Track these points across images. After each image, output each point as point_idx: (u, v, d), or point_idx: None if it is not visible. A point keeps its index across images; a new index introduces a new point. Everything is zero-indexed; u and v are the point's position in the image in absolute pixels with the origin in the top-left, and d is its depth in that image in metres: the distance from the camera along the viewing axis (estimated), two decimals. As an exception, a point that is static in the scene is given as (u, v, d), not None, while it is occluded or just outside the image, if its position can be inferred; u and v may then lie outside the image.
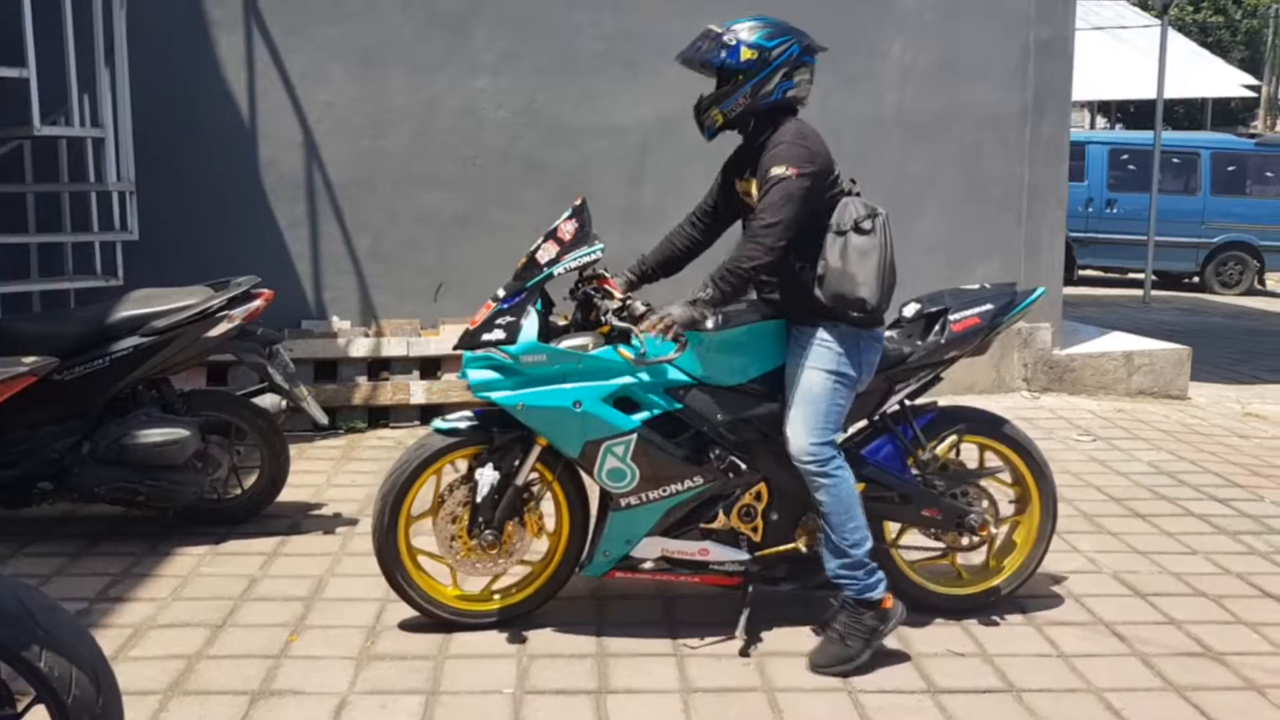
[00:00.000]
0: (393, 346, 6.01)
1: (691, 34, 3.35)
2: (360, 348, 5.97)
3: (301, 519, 4.51)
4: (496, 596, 3.54)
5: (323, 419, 4.53)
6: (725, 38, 3.25)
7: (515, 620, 3.48)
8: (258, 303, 4.29)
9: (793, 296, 3.32)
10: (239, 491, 4.47)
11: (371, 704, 3.02)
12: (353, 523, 4.46)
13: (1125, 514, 4.75)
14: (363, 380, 5.96)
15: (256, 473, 4.46)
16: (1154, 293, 13.13)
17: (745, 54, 3.22)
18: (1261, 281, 15.12)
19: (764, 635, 3.44)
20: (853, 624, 3.26)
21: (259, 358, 4.35)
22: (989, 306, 3.56)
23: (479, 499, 3.32)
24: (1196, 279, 14.93)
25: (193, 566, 3.98)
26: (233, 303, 4.22)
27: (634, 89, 6.35)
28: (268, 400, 4.48)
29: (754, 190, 3.29)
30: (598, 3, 6.31)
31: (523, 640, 3.40)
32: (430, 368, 6.09)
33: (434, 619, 3.45)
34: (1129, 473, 5.39)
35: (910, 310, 3.59)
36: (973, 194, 6.87)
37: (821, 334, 3.27)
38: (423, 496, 3.44)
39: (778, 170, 3.15)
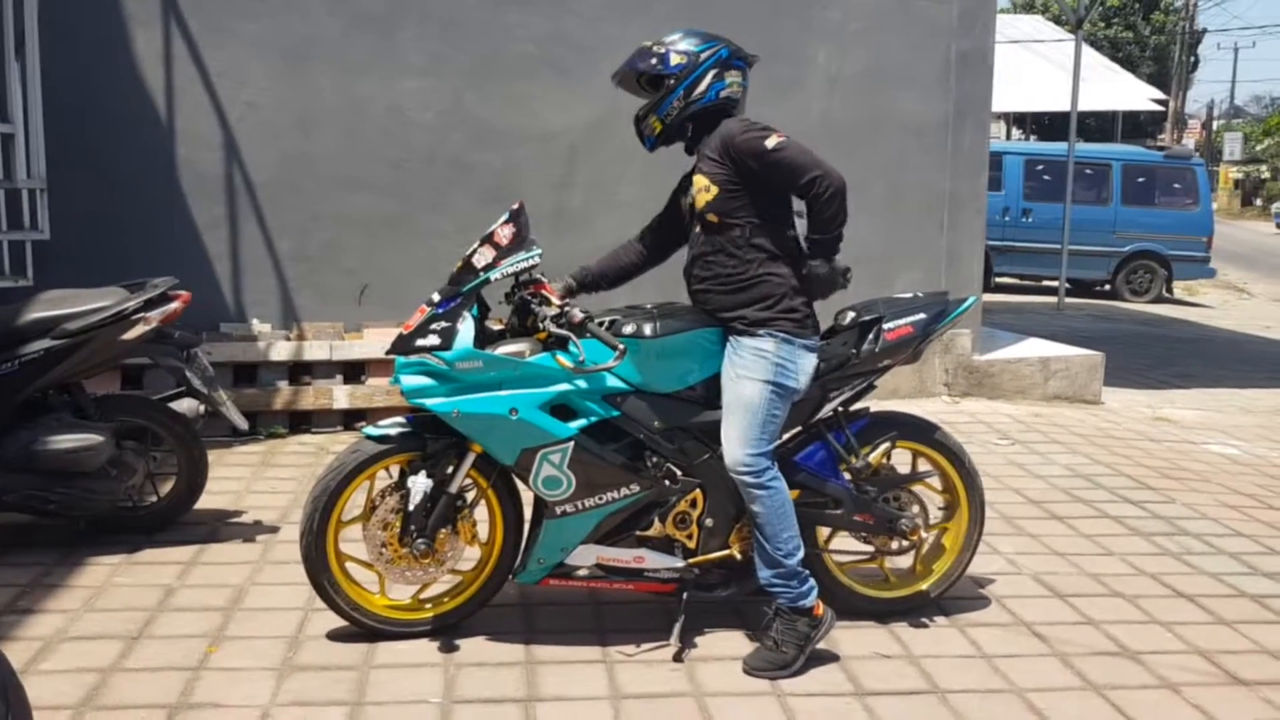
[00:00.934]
0: (315, 350, 5.91)
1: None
2: (281, 351, 5.85)
3: (220, 527, 4.40)
4: (427, 605, 3.48)
5: (242, 424, 4.43)
6: (655, 48, 3.34)
7: (445, 629, 3.43)
8: (175, 305, 4.17)
9: (731, 305, 3.32)
10: (155, 499, 4.34)
11: (294, 716, 2.95)
12: (274, 530, 4.36)
13: (1044, 516, 4.86)
14: (284, 385, 5.84)
15: (173, 479, 4.34)
16: (1067, 300, 13.48)
17: (675, 59, 3.30)
18: (1169, 289, 15.62)
19: (695, 641, 3.44)
20: (787, 631, 3.28)
21: (176, 361, 4.23)
22: (922, 315, 3.60)
23: (411, 507, 3.27)
24: (1108, 287, 15.38)
25: (106, 577, 3.85)
26: (149, 305, 4.10)
27: (564, 93, 6.33)
28: (185, 405, 4.37)
29: (705, 184, 3.28)
30: (528, 5, 6.28)
31: (450, 649, 3.35)
32: (354, 372, 6.00)
33: (361, 628, 3.39)
34: (1046, 476, 5.52)
35: (845, 319, 3.62)
36: (897, 203, 6.97)
37: (759, 344, 3.28)
38: (354, 502, 3.37)
39: (768, 143, 3.20)
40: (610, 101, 6.44)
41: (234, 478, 5.04)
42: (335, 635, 3.41)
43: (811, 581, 3.35)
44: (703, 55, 3.30)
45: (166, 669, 3.18)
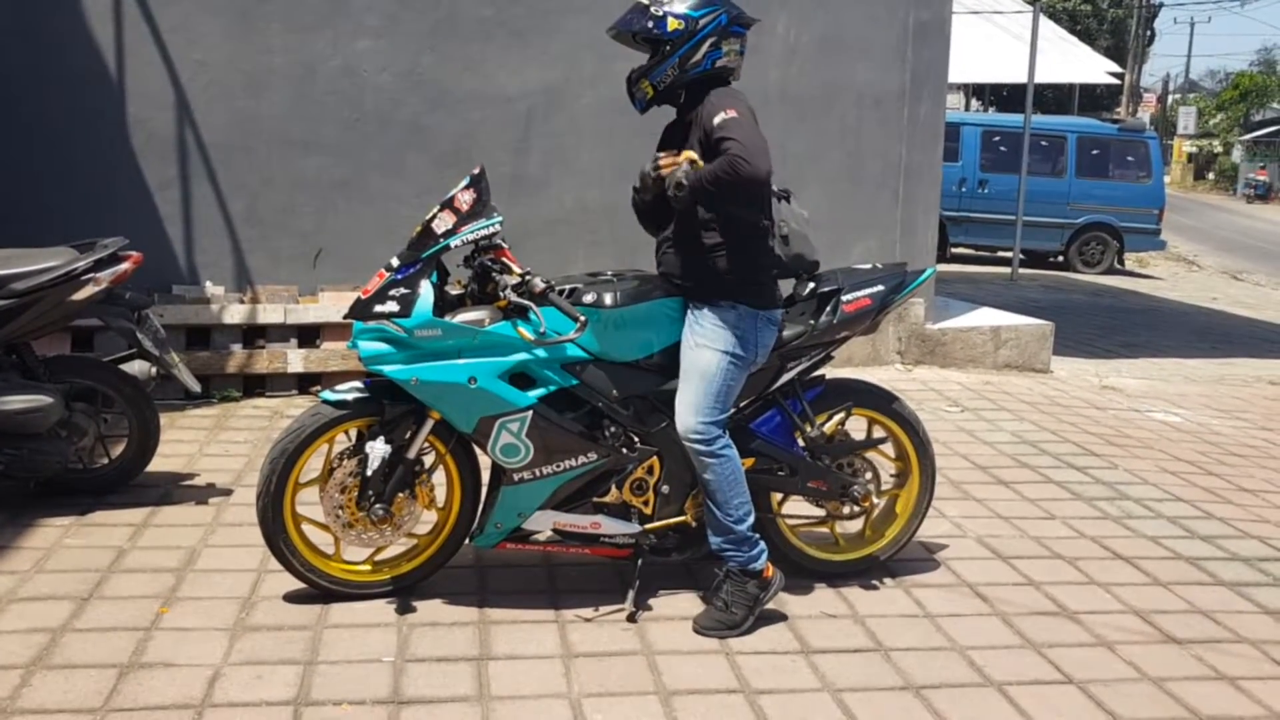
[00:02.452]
0: (269, 313, 5.87)
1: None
2: (235, 314, 5.81)
3: (173, 489, 4.38)
4: (384, 567, 3.51)
5: (195, 387, 4.40)
6: (653, 9, 3.25)
7: (401, 590, 3.46)
8: (125, 265, 4.13)
9: (697, 272, 3.34)
10: (106, 461, 4.32)
11: (246, 675, 2.97)
12: (227, 493, 4.36)
13: (990, 481, 4.96)
14: (237, 348, 5.80)
15: (125, 441, 4.31)
16: (1021, 270, 13.64)
17: (672, 24, 3.22)
18: (1121, 261, 15.86)
19: (648, 602, 3.49)
20: (736, 592, 3.34)
21: (127, 322, 4.19)
22: (880, 287, 3.63)
23: (369, 472, 3.28)
24: (1061, 258, 15.58)
25: (57, 538, 3.84)
26: (99, 265, 4.05)
27: (521, 56, 6.29)
28: (136, 367, 4.33)
29: (691, 157, 3.23)
30: (484, -33, 6.23)
31: (404, 610, 3.38)
32: (309, 335, 5.97)
33: (317, 589, 3.41)
34: (994, 442, 5.62)
35: (804, 290, 3.64)
36: (852, 172, 7.01)
37: (719, 314, 3.31)
38: (311, 465, 3.38)
39: (721, 116, 3.12)
40: (568, 66, 6.45)
41: (187, 440, 5.02)
42: (289, 596, 3.43)
43: (762, 545, 3.41)
44: (701, 21, 3.23)
45: (117, 629, 3.19)
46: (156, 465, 4.42)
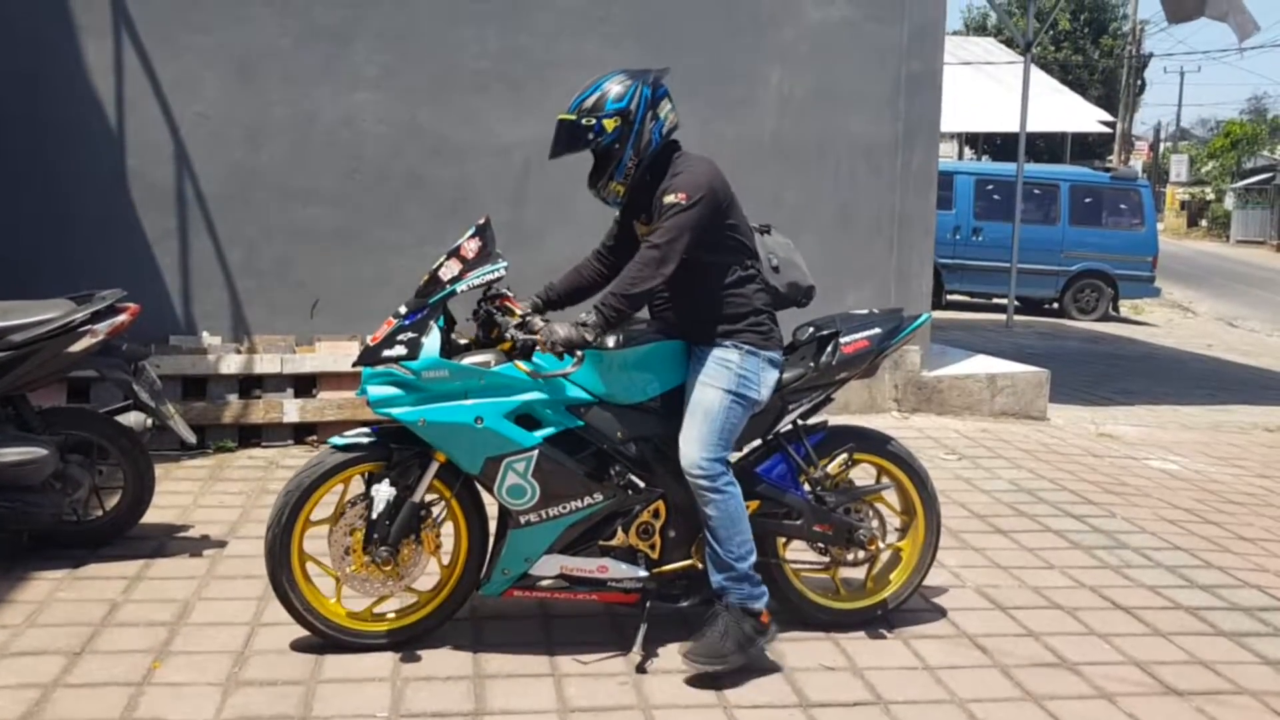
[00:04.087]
0: (266, 363, 5.87)
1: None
2: (231, 364, 5.81)
3: (167, 541, 4.36)
4: (391, 615, 3.49)
5: (190, 438, 4.40)
6: (583, 121, 3.35)
7: (406, 642, 3.43)
8: (123, 317, 4.14)
9: (694, 320, 3.43)
10: (100, 513, 4.30)
11: (239, 731, 2.94)
12: (221, 544, 4.33)
13: (988, 530, 4.94)
14: (233, 398, 5.80)
15: (119, 493, 4.29)
16: (1016, 318, 13.68)
17: (610, 125, 3.33)
18: (1116, 308, 15.91)
19: (656, 651, 3.46)
20: (732, 627, 3.34)
21: (123, 374, 4.20)
22: (878, 330, 3.70)
23: (374, 515, 3.30)
24: (1056, 305, 15.64)
25: (49, 591, 3.81)
26: (96, 317, 4.07)
27: (517, 107, 6.36)
28: (132, 418, 4.33)
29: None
30: (482, 20, 6.31)
31: (398, 664, 3.35)
32: (305, 386, 5.97)
33: (320, 636, 3.39)
34: (991, 490, 5.61)
35: (804, 334, 3.71)
36: (846, 221, 7.07)
37: (723, 354, 3.37)
38: (319, 511, 3.40)
39: (669, 199, 3.27)
40: (565, 118, 6.51)
41: (182, 491, 5.00)
42: (282, 650, 3.40)
43: (763, 587, 3.41)
44: (631, 106, 3.34)
45: (109, 684, 3.15)
46: (151, 517, 4.41)
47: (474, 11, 6.27)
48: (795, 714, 3.17)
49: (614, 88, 3.36)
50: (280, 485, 5.08)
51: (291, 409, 5.84)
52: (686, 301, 3.42)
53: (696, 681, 3.29)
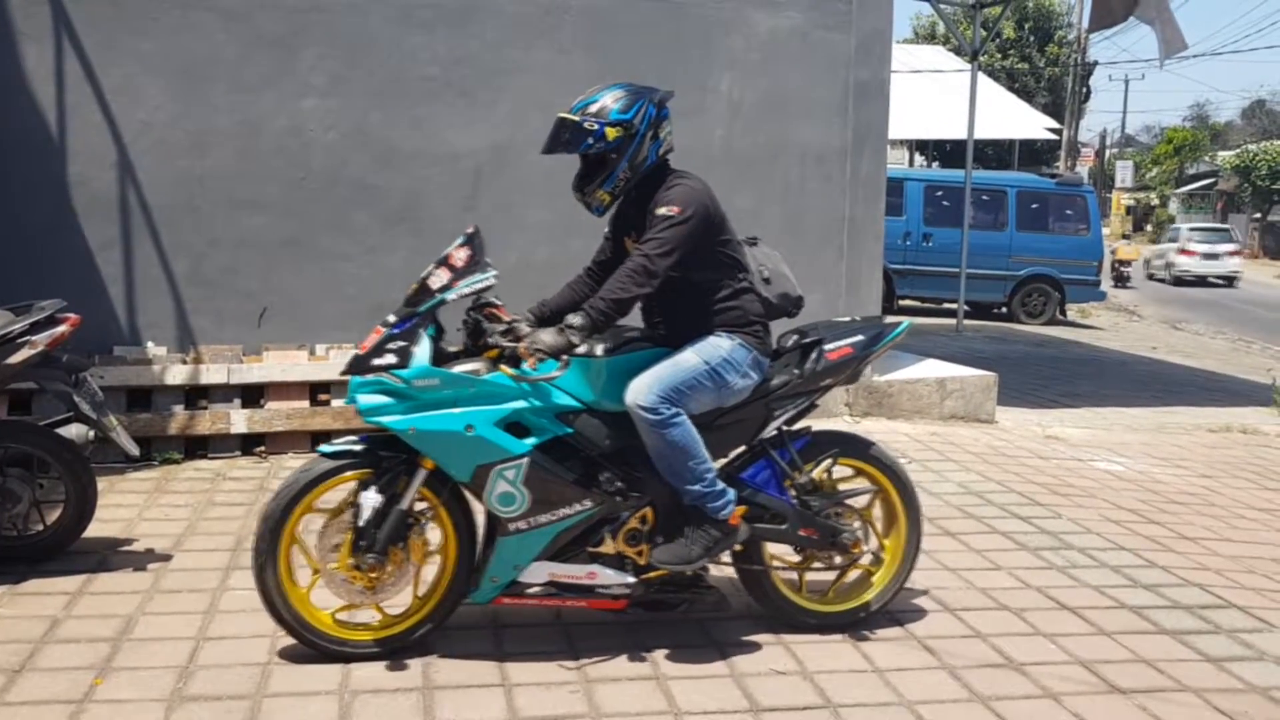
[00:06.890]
0: (212, 373, 5.79)
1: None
2: (177, 374, 5.73)
3: (110, 555, 4.29)
4: (377, 624, 3.46)
5: (134, 450, 4.33)
6: (585, 124, 3.37)
7: (400, 651, 3.42)
8: (63, 328, 4.07)
9: (692, 332, 3.48)
10: (41, 528, 4.21)
11: (183, 747, 2.90)
12: (166, 559, 4.27)
13: (937, 533, 4.99)
14: (179, 409, 5.72)
15: (61, 507, 4.21)
16: (966, 322, 13.86)
17: (611, 133, 3.37)
18: (1063, 312, 16.18)
19: (592, 659, 3.47)
20: (698, 532, 3.42)
21: (64, 386, 4.13)
22: (860, 337, 3.76)
23: (361, 522, 3.28)
24: (1005, 309, 15.87)
25: (-13, 609, 3.73)
26: (35, 328, 4.00)
27: (468, 115, 6.34)
28: (73, 430, 4.26)
29: None
30: (431, 27, 6.28)
31: (345, 676, 3.32)
32: (253, 395, 5.89)
33: (312, 648, 3.37)
34: (941, 493, 5.67)
35: (789, 341, 3.76)
36: (797, 228, 7.11)
37: (717, 339, 3.46)
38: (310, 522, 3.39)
39: (662, 210, 3.34)
40: (515, 125, 6.50)
41: (126, 505, 4.92)
42: (228, 664, 3.35)
43: (730, 494, 3.48)
44: (635, 120, 3.38)
45: (50, 702, 3.10)
46: (94, 531, 4.33)
47: (423, 19, 6.24)
48: (745, 719, 3.17)
49: (621, 99, 3.40)
50: (227, 498, 5.05)
51: (239, 419, 5.76)
52: (685, 317, 3.49)
53: (644, 694, 3.29)
